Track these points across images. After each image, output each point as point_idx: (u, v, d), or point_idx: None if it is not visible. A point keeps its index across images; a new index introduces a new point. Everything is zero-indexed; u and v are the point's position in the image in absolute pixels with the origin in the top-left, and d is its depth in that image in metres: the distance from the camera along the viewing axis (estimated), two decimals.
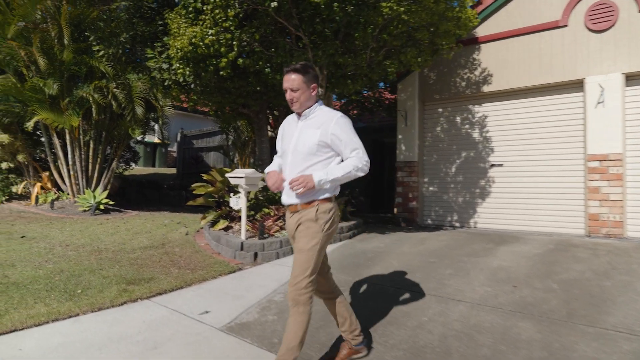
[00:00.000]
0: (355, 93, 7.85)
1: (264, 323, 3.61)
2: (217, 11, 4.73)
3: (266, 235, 5.85)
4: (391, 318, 3.65)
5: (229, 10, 4.69)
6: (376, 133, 13.38)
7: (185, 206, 12.86)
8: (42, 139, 10.85)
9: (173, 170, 17.73)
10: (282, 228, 6.17)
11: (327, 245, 2.61)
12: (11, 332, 3.30)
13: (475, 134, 8.36)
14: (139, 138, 10.60)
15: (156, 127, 11.61)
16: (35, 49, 8.58)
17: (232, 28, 4.99)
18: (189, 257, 5.67)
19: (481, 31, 8.07)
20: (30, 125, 8.94)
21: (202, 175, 14.68)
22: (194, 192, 6.55)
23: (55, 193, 10.04)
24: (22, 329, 3.37)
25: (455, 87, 8.43)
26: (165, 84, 5.91)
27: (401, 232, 7.79)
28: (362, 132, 13.81)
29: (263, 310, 3.89)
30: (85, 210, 9.12)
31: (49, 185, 10.33)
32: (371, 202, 12.80)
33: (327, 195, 2.55)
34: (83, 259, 5.37)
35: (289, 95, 2.57)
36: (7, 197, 10.14)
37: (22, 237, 6.45)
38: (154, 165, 19.30)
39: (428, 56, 6.45)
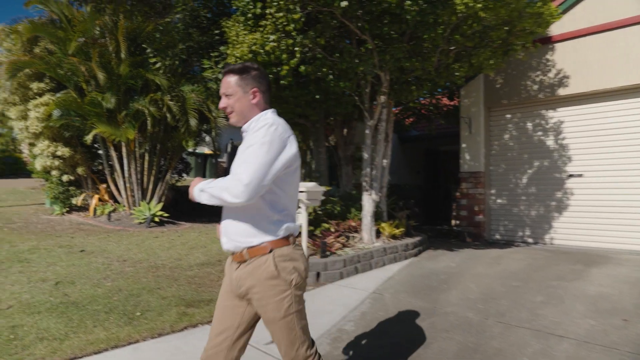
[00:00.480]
0: (414, 100, 7.40)
1: (337, 358, 3.22)
2: (279, 14, 4.44)
3: (328, 253, 5.48)
4: (484, 357, 3.15)
5: (293, 13, 4.38)
6: (429, 141, 12.79)
7: None
8: (100, 152, 11.07)
9: None
10: (344, 245, 5.78)
11: (302, 301, 1.92)
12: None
13: (550, 142, 7.65)
14: (190, 149, 10.57)
15: (208, 138, 11.57)
16: (94, 64, 8.70)
17: (293, 33, 4.69)
18: None
19: (555, 29, 7.39)
20: (89, 138, 9.06)
21: None
22: None
23: (112, 205, 10.14)
24: (82, 357, 3.15)
25: (526, 91, 7.76)
26: None
27: (469, 248, 7.19)
28: (415, 140, 13.27)
29: (334, 341, 3.50)
30: (140, 223, 9.12)
31: (106, 197, 10.47)
32: (426, 213, 12.19)
33: (281, 234, 1.85)
34: (141, 276, 5.20)
35: (222, 103, 1.98)
36: (67, 209, 10.34)
37: (81, 251, 6.41)
38: (204, 176, 19.49)
39: (500, 57, 5.90)
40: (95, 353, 3.23)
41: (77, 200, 10.38)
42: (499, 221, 8.22)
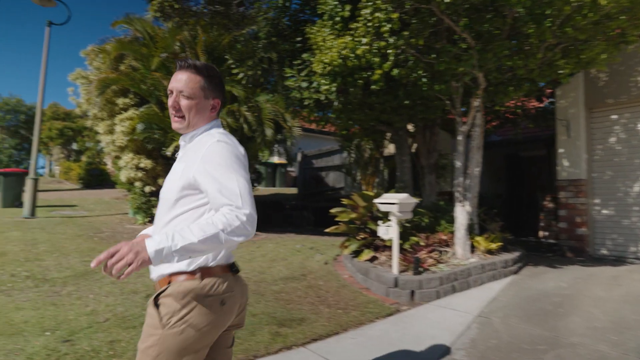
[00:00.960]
0: (501, 103, 6.80)
1: None
2: (376, 15, 4.16)
3: (421, 270, 5.07)
4: None
5: (391, 13, 4.09)
6: (510, 146, 11.93)
7: (309, 228, 12.63)
8: None
9: (293, 190, 17.84)
10: (438, 261, 5.34)
11: (183, 353, 1.51)
12: None
13: None
14: (261, 160, 10.57)
15: (282, 147, 11.55)
16: None
17: (385, 35, 4.39)
18: (336, 292, 5.09)
19: None
20: (170, 150, 9.30)
21: (325, 193, 14.33)
22: (335, 219, 6.02)
23: None
24: None
25: (637, 88, 6.90)
26: (305, 103, 5.53)
27: (573, 265, 6.45)
28: (496, 146, 12.43)
29: None
30: None
31: None
32: (507, 224, 11.35)
33: (192, 266, 1.53)
34: None
35: (172, 102, 1.67)
36: (149, 219, 10.70)
37: None
38: (274, 185, 19.69)
39: (615, 51, 5.22)
40: None
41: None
42: (605, 234, 7.34)
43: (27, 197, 11.01)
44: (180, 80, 1.66)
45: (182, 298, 1.52)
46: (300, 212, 13.98)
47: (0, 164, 16.21)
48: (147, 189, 10.50)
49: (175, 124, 1.70)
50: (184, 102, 1.65)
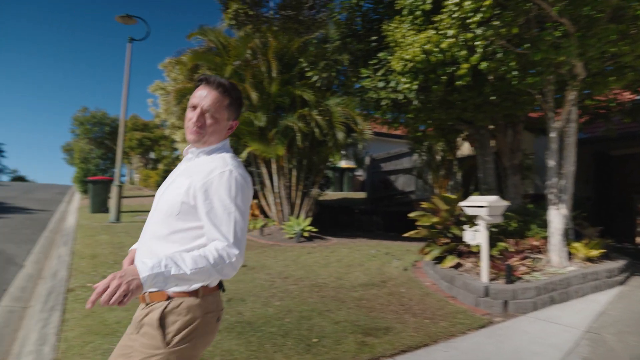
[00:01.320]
0: (598, 95, 6.18)
1: None
2: (465, 3, 3.88)
3: (513, 278, 4.68)
4: None
5: (482, 0, 3.79)
6: (599, 144, 10.93)
7: (378, 232, 12.37)
8: (250, 169, 11.61)
9: (361, 195, 17.64)
10: (533, 269, 4.91)
11: None
12: None
13: None
14: (337, 164, 10.49)
15: (351, 151, 11.42)
16: (247, 84, 9.10)
17: (472, 26, 4.10)
18: (420, 300, 4.83)
19: None
20: (243, 156, 9.48)
21: (394, 197, 13.98)
22: (416, 223, 5.76)
23: (263, 220, 10.48)
24: None
25: None
26: (382, 103, 5.34)
27: None
28: (582, 144, 11.43)
29: None
30: (290, 237, 9.20)
31: (257, 212, 10.88)
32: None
33: (194, 286, 1.51)
34: (306, 296, 4.99)
35: (197, 118, 1.62)
36: None
37: (243, 265, 6.51)
38: (341, 190, 19.62)
39: None
40: None
41: None
42: None
43: (112, 203, 11.73)
44: (208, 99, 1.64)
45: (185, 315, 1.52)
46: (369, 216, 13.75)
47: (88, 173, 17.55)
48: None
49: (191, 137, 1.66)
50: (208, 121, 1.65)
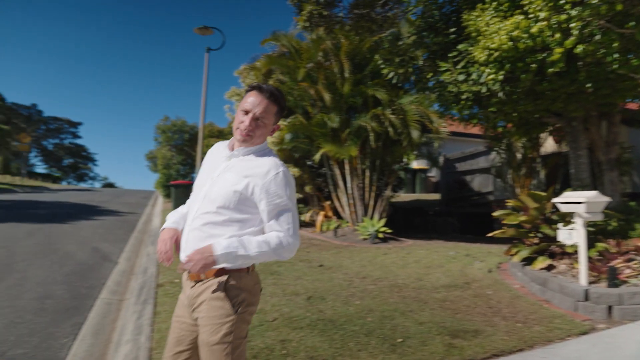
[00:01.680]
0: None
1: None
2: None
3: (617, 282, 4.25)
4: None
5: None
6: None
7: (454, 235, 11.92)
8: (322, 171, 11.70)
9: (434, 196, 17.13)
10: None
11: (245, 334, 1.79)
12: None
13: None
14: (412, 164, 10.25)
15: (425, 151, 11.12)
16: (320, 86, 9.18)
17: (566, 7, 3.78)
18: (510, 303, 4.54)
19: None
20: (317, 157, 9.56)
21: (470, 198, 13.43)
22: (502, 222, 5.45)
23: (337, 221, 10.49)
24: None
25: None
26: (463, 97, 5.10)
27: None
28: None
29: None
30: (365, 239, 9.11)
31: (330, 213, 10.91)
32: None
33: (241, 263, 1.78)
34: (386, 296, 4.88)
35: (247, 122, 1.80)
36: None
37: (319, 265, 6.53)
38: (414, 192, 19.19)
39: None
40: None
41: (305, 217, 11.09)
42: None
43: None
44: (260, 106, 1.82)
45: (243, 287, 1.79)
46: (444, 218, 13.31)
47: (170, 178, 18.73)
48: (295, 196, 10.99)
49: (240, 138, 1.85)
50: (258, 127, 1.83)
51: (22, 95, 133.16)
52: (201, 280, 1.80)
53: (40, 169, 61.12)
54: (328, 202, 11.15)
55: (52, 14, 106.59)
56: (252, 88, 1.85)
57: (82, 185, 61.29)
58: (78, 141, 66.33)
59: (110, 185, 69.90)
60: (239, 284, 1.79)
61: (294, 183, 1.90)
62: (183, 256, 1.83)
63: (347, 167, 9.85)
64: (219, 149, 2.01)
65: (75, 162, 65.65)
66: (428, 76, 6.05)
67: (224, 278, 1.77)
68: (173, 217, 2.02)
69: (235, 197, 1.79)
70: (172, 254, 1.86)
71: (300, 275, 5.88)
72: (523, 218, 5.14)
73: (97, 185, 67.33)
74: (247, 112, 1.82)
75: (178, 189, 14.38)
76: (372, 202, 10.10)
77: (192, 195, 1.99)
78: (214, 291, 1.76)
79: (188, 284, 1.87)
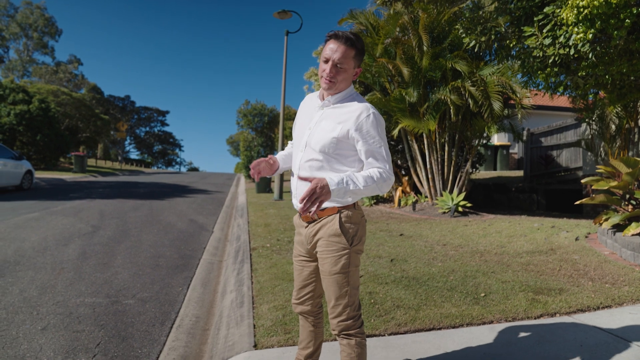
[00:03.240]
0: None
1: None
2: None
3: None
4: None
5: None
6: None
7: (539, 212, 11.49)
8: (399, 147, 11.78)
9: (517, 173, 16.47)
10: None
11: (359, 262, 2.01)
12: (430, 329, 3.08)
13: None
14: (483, 140, 10.03)
15: (507, 123, 10.78)
16: (398, 60, 9.25)
17: None
18: (598, 266, 4.49)
19: None
20: (395, 133, 9.69)
21: (556, 174, 12.83)
22: (592, 187, 5.32)
23: (415, 196, 10.59)
24: (440, 329, 3.10)
25: None
26: (552, 60, 4.98)
27: None
28: None
29: None
30: (444, 212, 9.15)
31: (408, 189, 11.03)
32: None
33: (349, 200, 1.96)
34: (467, 260, 5.02)
35: (327, 69, 1.90)
36: (374, 201, 11.39)
37: (400, 235, 6.76)
38: (495, 169, 18.55)
39: None
40: (452, 327, 3.13)
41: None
42: None
43: (276, 184, 13.08)
44: (338, 53, 1.91)
45: (354, 221, 1.98)
46: (528, 194, 12.82)
47: (252, 159, 19.75)
48: None
49: (325, 85, 1.98)
50: (339, 72, 1.93)
51: (118, 88, 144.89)
52: (314, 221, 2.01)
53: (134, 155, 66.80)
54: (406, 178, 11.25)
55: (137, 13, 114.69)
56: (329, 37, 1.94)
57: (170, 169, 66.15)
58: (166, 129, 71.48)
59: (194, 169, 74.65)
60: (350, 219, 1.96)
61: (384, 123, 2.02)
62: (295, 202, 2.04)
63: (425, 141, 9.88)
64: (312, 99, 2.17)
65: (164, 148, 70.81)
66: (512, 44, 5.94)
67: (336, 216, 1.95)
68: (280, 155, 2.34)
69: (333, 143, 1.93)
70: (260, 168, 2.18)
71: (381, 242, 6.17)
72: (614, 184, 4.98)
73: (183, 169, 72.27)
74: (327, 60, 1.92)
75: None
76: (451, 177, 10.06)
77: (294, 146, 2.20)
78: (330, 228, 1.95)
79: (301, 224, 2.10)
